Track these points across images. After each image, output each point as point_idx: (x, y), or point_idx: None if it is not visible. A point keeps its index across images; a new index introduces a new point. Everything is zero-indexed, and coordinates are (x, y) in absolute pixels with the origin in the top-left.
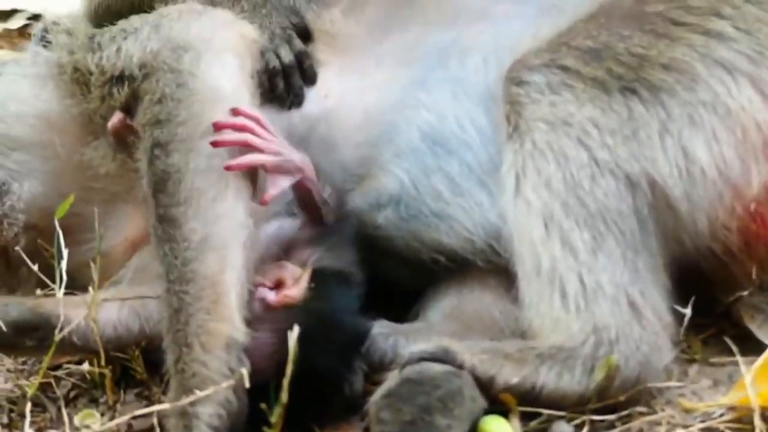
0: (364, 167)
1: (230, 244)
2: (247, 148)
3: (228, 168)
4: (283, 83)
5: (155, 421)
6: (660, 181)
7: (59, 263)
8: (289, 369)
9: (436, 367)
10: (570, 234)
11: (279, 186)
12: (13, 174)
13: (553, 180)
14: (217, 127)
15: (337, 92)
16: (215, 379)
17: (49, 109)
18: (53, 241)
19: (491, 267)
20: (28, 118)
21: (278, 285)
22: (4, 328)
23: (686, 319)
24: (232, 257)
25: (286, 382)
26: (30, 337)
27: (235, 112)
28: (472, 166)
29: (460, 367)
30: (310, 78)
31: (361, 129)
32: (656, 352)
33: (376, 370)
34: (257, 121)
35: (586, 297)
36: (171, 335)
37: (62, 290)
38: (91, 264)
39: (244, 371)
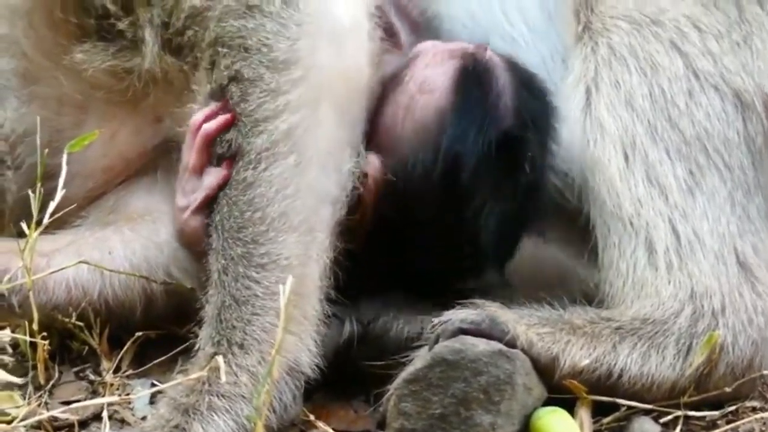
0: None
1: (315, 225)
2: None
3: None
4: None
5: (105, 414)
6: None
7: None
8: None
9: (480, 345)
10: (659, 167)
11: None
12: None
13: (637, 96)
14: None
15: None
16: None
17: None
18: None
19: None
20: None
21: None
22: None
23: None
24: (318, 242)
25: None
26: None
27: None
28: None
29: (512, 343)
30: None
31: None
32: None
33: (397, 348)
34: None
35: (680, 252)
36: (218, 326)
37: None
38: (30, 195)
39: (220, 359)
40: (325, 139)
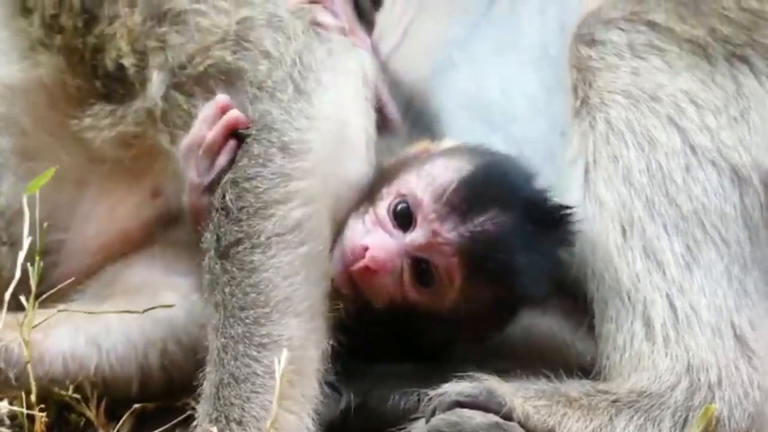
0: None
1: (318, 312)
2: None
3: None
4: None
5: None
6: None
7: None
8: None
9: (476, 418)
10: (656, 243)
11: None
12: None
13: (634, 171)
14: None
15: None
16: None
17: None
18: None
19: None
20: None
21: None
22: None
23: None
24: (320, 329)
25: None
26: None
27: None
28: (520, 145)
29: (509, 416)
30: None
31: (408, 101)
32: None
33: (394, 420)
34: None
35: (677, 326)
36: (216, 403)
37: None
38: (29, 268)
39: (215, 430)
40: (329, 232)
